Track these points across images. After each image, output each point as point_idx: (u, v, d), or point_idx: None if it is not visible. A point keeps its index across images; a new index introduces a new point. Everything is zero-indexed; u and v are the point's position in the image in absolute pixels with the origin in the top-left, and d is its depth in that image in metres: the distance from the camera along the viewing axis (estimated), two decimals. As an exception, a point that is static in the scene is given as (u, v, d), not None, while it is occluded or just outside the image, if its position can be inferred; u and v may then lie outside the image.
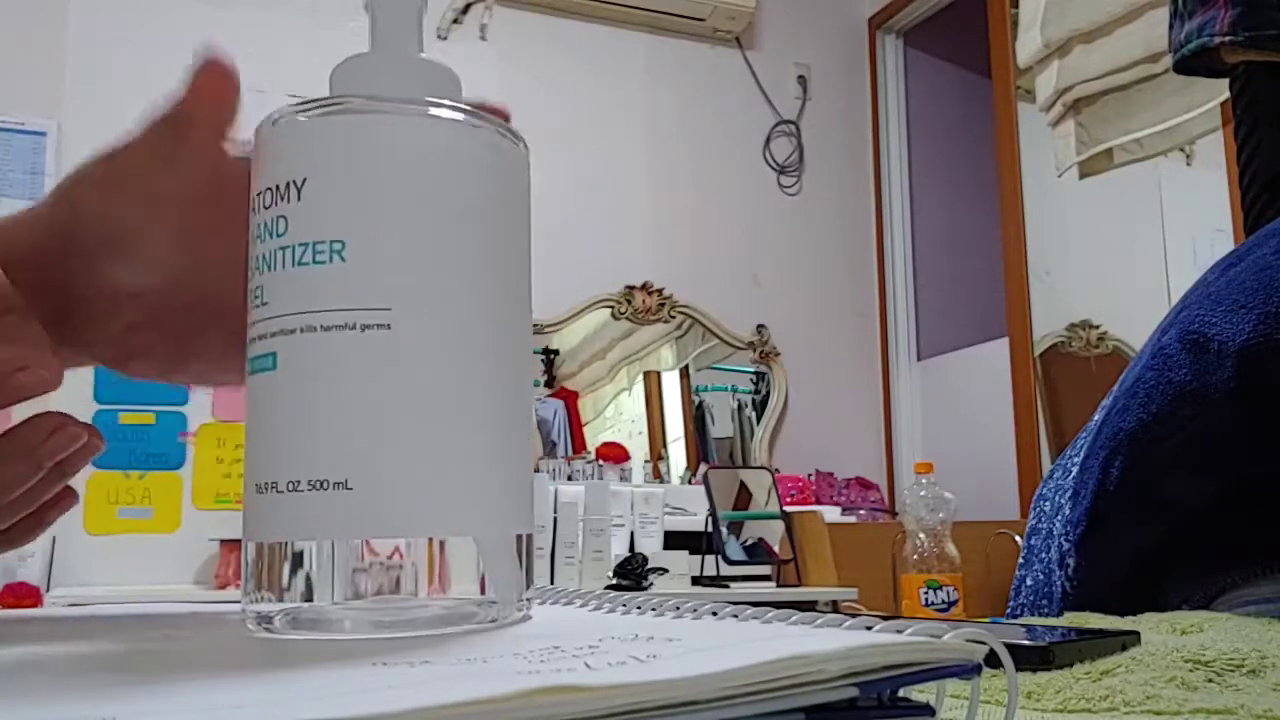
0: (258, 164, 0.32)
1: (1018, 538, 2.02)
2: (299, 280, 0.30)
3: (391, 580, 0.29)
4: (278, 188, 0.30)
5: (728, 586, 2.14)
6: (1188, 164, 2.83)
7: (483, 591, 0.30)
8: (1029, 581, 0.72)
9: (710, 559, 2.18)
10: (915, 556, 1.95)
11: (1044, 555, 0.71)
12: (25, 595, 2.06)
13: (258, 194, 0.31)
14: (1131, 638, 0.41)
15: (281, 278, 0.30)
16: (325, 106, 0.31)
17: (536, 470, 2.71)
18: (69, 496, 0.37)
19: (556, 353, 2.94)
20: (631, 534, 2.39)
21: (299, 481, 0.29)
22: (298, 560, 0.29)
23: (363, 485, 0.29)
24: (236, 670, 0.24)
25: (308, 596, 0.29)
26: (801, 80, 3.31)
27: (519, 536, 0.31)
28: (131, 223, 0.36)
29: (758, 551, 2.23)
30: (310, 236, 0.30)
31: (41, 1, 2.49)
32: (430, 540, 0.29)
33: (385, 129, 0.31)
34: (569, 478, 2.72)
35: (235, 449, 2.45)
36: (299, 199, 0.30)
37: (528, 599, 0.32)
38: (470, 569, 0.30)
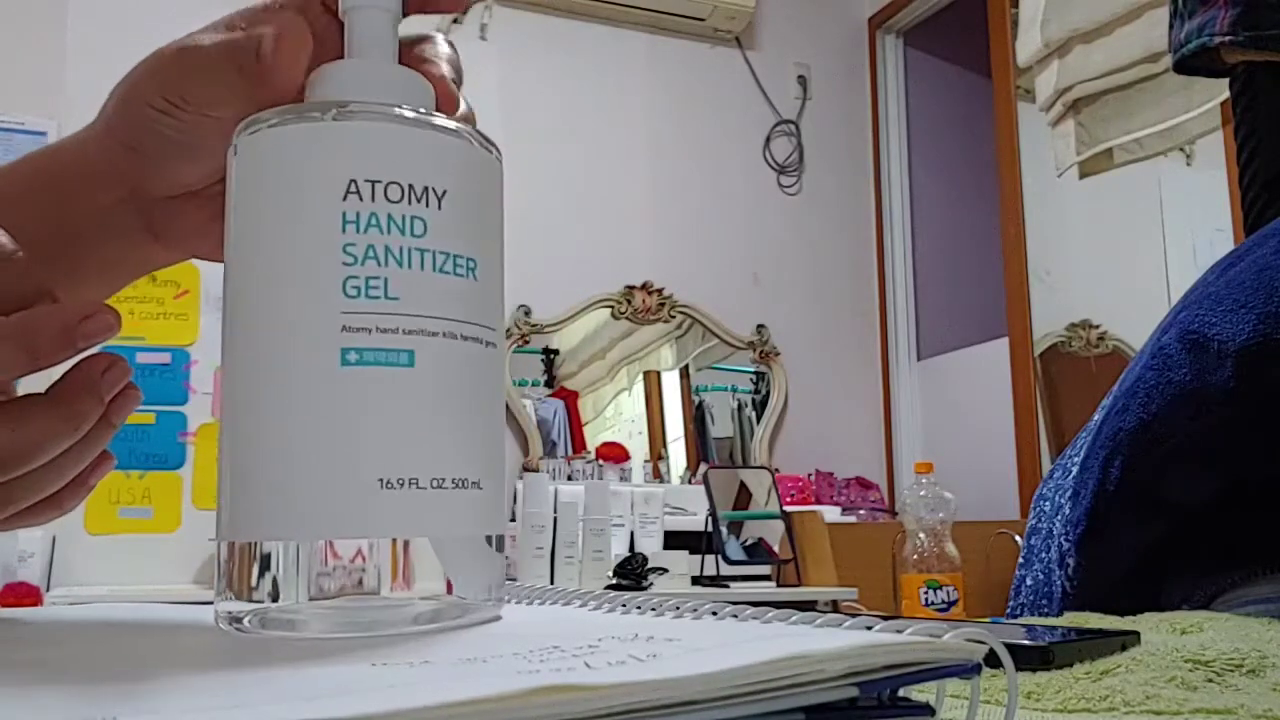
0: (355, 151, 0.31)
1: (1018, 538, 2.02)
2: (439, 286, 0.31)
3: (353, 581, 0.30)
4: (412, 187, 0.31)
5: (728, 586, 2.14)
6: (1188, 164, 2.82)
7: (449, 591, 0.30)
8: (1029, 581, 0.72)
9: (710, 559, 2.18)
10: (915, 556, 1.95)
11: (1044, 555, 0.71)
12: (25, 595, 2.06)
13: (370, 180, 0.31)
14: (1131, 638, 0.41)
15: (418, 278, 0.30)
16: (439, 120, 0.32)
17: (535, 470, 2.71)
18: (108, 459, 0.38)
19: (556, 353, 2.94)
20: (631, 534, 2.39)
21: (443, 479, 0.30)
22: (264, 560, 0.30)
23: (489, 484, 0.32)
24: (236, 670, 0.24)
25: (274, 598, 0.30)
26: (801, 80, 3.31)
27: (488, 537, 0.32)
28: (188, 131, 0.39)
29: (758, 551, 2.24)
30: (450, 248, 0.31)
31: (41, 1, 2.49)
32: (394, 542, 0.30)
33: (488, 159, 0.34)
34: (569, 478, 2.72)
35: (235, 449, 2.44)
36: (440, 208, 0.31)
37: (497, 598, 0.32)
38: (436, 571, 0.31)
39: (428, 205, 0.31)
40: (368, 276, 0.30)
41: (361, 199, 0.30)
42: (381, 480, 0.29)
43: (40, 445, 0.33)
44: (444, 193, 0.31)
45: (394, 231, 0.30)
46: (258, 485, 0.30)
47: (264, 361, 0.30)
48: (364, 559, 0.29)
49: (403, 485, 0.29)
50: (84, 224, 0.41)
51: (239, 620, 0.30)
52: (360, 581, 0.29)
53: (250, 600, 0.30)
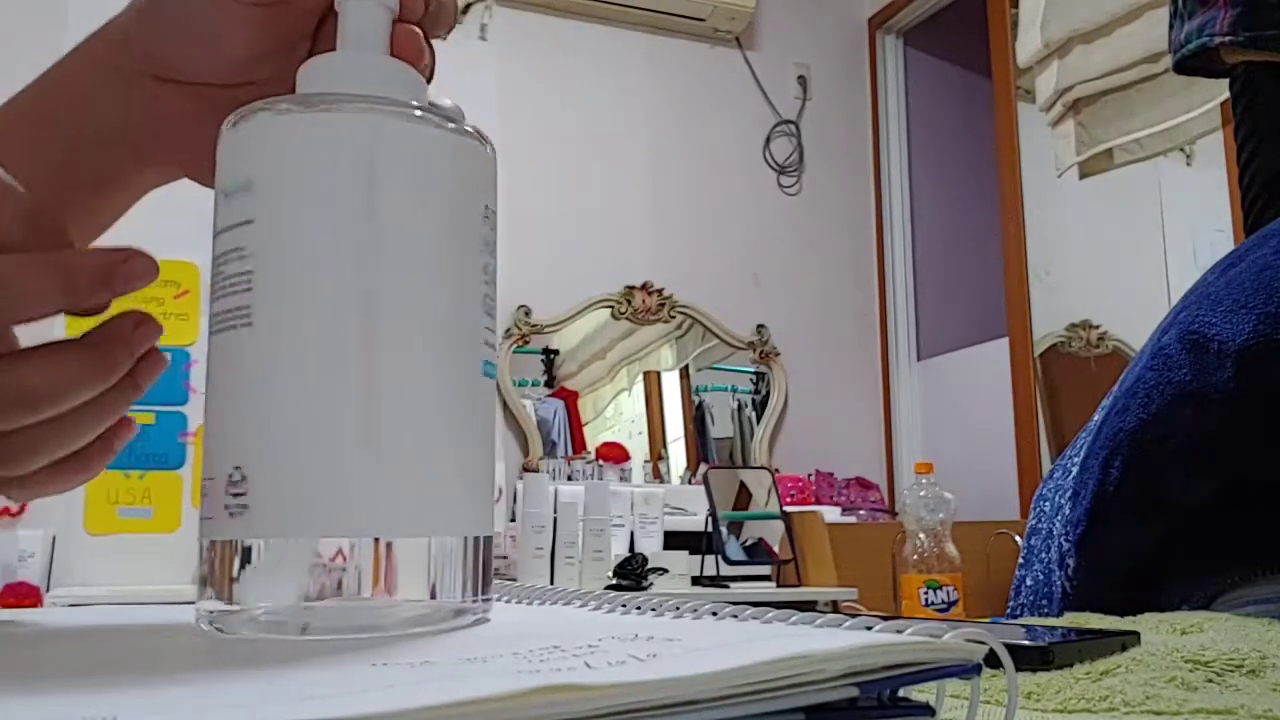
0: (482, 173, 0.33)
1: (1018, 538, 2.02)
2: (491, 301, 0.33)
3: (334, 583, 0.29)
4: (492, 211, 0.33)
5: (728, 586, 2.14)
6: (1188, 164, 2.82)
7: (433, 595, 0.30)
8: (1029, 581, 0.72)
9: (710, 559, 2.18)
10: (915, 556, 1.95)
11: (1044, 555, 0.71)
12: (25, 595, 2.06)
13: (491, 209, 0.33)
14: (1131, 638, 0.41)
15: (492, 295, 0.33)
16: (470, 128, 0.33)
17: (535, 470, 2.71)
18: (130, 424, 0.38)
19: (556, 353, 2.94)
20: (631, 534, 2.38)
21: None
22: (246, 558, 0.29)
23: (487, 486, 0.32)
24: (235, 669, 0.24)
25: (256, 598, 0.29)
26: (801, 80, 3.31)
27: (474, 539, 0.31)
28: (182, 51, 0.40)
29: (758, 551, 2.24)
30: (493, 261, 0.33)
31: (42, 2, 2.49)
32: (376, 542, 0.29)
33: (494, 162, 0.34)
34: (569, 478, 2.72)
35: (235, 449, 2.44)
36: (493, 228, 0.33)
37: (484, 601, 0.31)
38: (420, 572, 0.30)
39: (494, 229, 0.33)
40: (489, 295, 0.32)
41: (490, 225, 0.33)
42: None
43: (68, 387, 0.33)
44: (494, 212, 0.33)
45: (490, 254, 0.33)
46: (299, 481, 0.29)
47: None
48: (347, 559, 0.29)
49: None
50: (79, 141, 0.41)
51: (220, 619, 0.29)
52: (346, 583, 0.29)
53: (232, 600, 0.29)
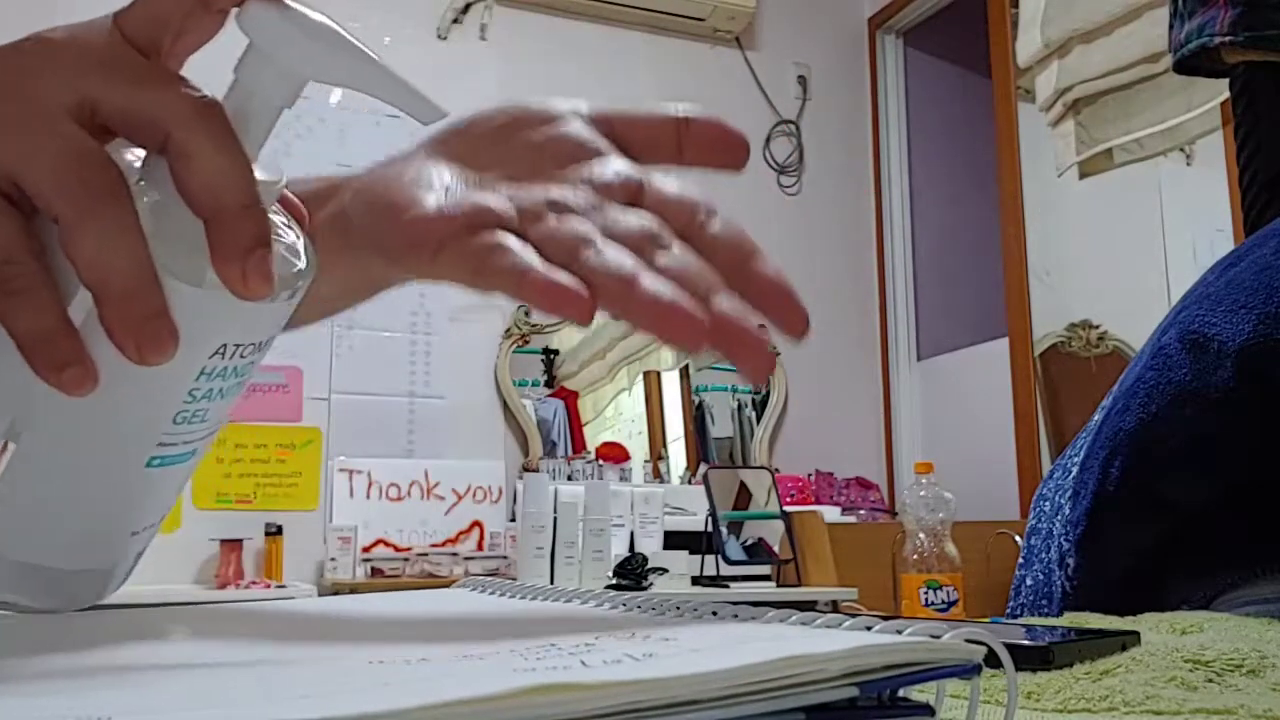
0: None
1: (1018, 538, 2.02)
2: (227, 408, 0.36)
3: None
4: (257, 345, 0.35)
5: (728, 586, 2.14)
6: (1188, 164, 2.82)
7: None
8: (1029, 581, 0.72)
9: (710, 559, 2.18)
10: (915, 556, 1.95)
11: (1044, 555, 0.71)
12: (25, 595, 2.05)
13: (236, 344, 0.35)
14: (1131, 638, 0.41)
15: (222, 406, 0.35)
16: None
17: (535, 470, 2.71)
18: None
19: (556, 353, 2.94)
20: (631, 534, 2.39)
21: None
22: None
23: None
24: (232, 669, 0.24)
25: None
26: (801, 80, 3.31)
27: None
28: None
29: (758, 551, 2.24)
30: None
31: (38, 3, 2.49)
32: None
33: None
34: (569, 478, 2.72)
35: (235, 449, 2.45)
36: (262, 353, 0.35)
37: None
38: None
39: (239, 356, 0.33)
40: (196, 409, 0.33)
41: (226, 355, 0.32)
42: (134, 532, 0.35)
43: None
44: (238, 345, 0.32)
45: (215, 378, 0.33)
46: None
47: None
48: None
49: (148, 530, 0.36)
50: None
51: None
52: None
53: None
